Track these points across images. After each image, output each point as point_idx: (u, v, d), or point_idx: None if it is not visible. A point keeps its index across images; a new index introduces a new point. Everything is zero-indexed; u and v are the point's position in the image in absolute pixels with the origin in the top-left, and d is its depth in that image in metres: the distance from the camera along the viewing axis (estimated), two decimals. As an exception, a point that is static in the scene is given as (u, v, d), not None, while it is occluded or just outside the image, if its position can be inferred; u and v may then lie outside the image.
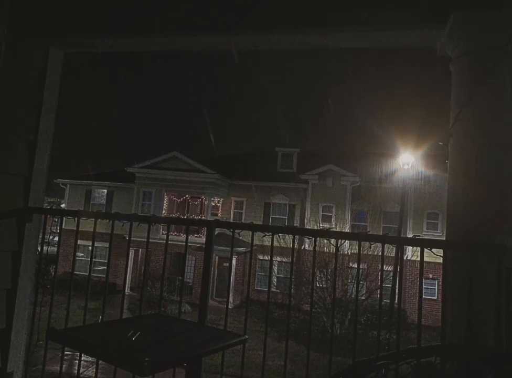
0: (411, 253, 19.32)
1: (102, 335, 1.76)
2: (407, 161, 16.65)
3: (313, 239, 2.26)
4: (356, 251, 2.26)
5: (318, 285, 17.02)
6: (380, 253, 2.16)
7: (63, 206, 27.19)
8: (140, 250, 23.10)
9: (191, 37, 2.60)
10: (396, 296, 14.73)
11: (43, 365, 2.67)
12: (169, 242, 2.56)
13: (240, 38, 2.58)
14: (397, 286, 14.56)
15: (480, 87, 1.99)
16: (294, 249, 2.64)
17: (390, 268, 15.72)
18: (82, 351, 1.95)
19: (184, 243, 2.72)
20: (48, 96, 2.77)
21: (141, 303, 2.60)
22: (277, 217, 23.97)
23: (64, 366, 3.02)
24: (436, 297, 20.33)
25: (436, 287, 20.75)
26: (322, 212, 23.10)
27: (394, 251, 12.76)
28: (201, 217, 23.53)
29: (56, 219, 2.72)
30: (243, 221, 22.85)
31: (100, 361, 2.49)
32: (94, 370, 2.67)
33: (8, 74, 2.54)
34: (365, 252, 2.44)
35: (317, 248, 2.31)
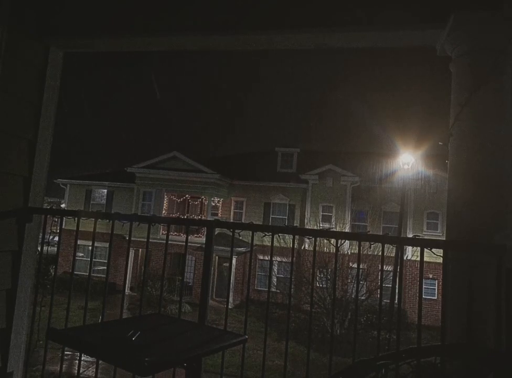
0: (411, 253, 19.32)
1: (102, 335, 1.76)
2: (407, 161, 16.66)
3: (313, 239, 2.26)
4: (356, 251, 2.26)
5: (318, 285, 17.02)
6: (380, 253, 2.16)
7: (63, 206, 27.20)
8: (140, 250, 23.09)
9: (191, 37, 2.60)
10: (396, 296, 14.73)
11: (43, 365, 2.67)
12: (169, 242, 2.56)
13: (240, 38, 2.58)
14: (397, 286, 14.56)
15: (480, 87, 1.99)
16: (294, 249, 2.64)
17: (390, 268, 15.73)
18: (82, 351, 1.95)
19: (184, 243, 2.71)
20: (47, 96, 2.77)
21: (141, 303, 2.60)
22: (277, 217, 23.96)
23: (64, 366, 3.02)
24: (436, 297, 20.33)
25: (436, 287, 20.74)
26: (322, 212, 23.09)
27: (394, 251, 12.77)
28: (201, 217, 23.53)
29: (56, 219, 2.72)
30: (243, 221, 22.84)
31: (100, 361, 2.49)
32: (94, 370, 2.67)
33: (8, 74, 2.54)
34: (365, 252, 2.45)
35: (317, 248, 2.31)
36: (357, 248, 2.21)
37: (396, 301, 14.91)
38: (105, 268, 21.07)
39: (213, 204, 24.09)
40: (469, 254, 1.90)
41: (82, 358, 2.74)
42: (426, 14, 2.20)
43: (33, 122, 2.71)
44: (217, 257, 21.76)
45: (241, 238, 2.86)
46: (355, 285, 17.52)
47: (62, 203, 28.00)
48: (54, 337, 1.72)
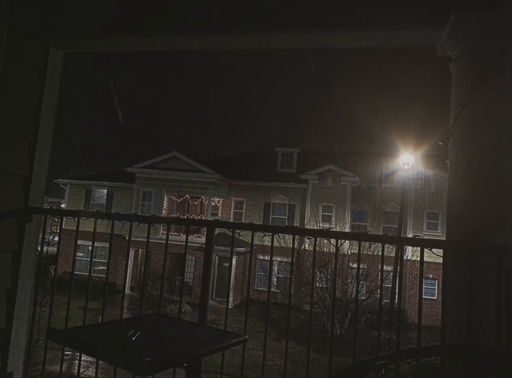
0: (411, 253, 19.32)
1: (102, 335, 1.76)
2: (407, 161, 16.65)
3: (313, 239, 2.26)
4: (356, 251, 2.26)
5: (318, 285, 17.02)
6: (380, 253, 2.16)
7: (63, 206, 27.20)
8: (140, 250, 23.09)
9: (191, 36, 2.60)
10: (396, 296, 14.72)
11: (43, 365, 2.67)
12: (169, 242, 2.56)
13: (240, 38, 2.58)
14: (397, 286, 14.56)
15: (480, 87, 1.99)
16: (294, 249, 2.64)
17: (390, 268, 15.72)
18: (82, 351, 1.95)
19: (184, 243, 2.72)
20: (47, 96, 2.77)
21: (141, 303, 2.60)
22: (277, 217, 23.96)
23: (64, 366, 3.02)
24: (436, 297, 20.33)
25: (436, 287, 20.74)
26: (322, 212, 23.09)
27: (394, 251, 12.77)
28: (201, 217, 23.53)
29: (56, 219, 2.72)
30: (243, 221, 22.83)
31: (100, 361, 2.49)
32: (94, 370, 2.67)
33: (8, 74, 2.54)
34: (365, 252, 2.44)
35: (317, 248, 2.31)
36: (357, 248, 2.21)
37: (396, 301, 14.91)
38: (105, 267, 21.07)
39: (213, 204, 24.09)
40: (469, 254, 1.90)
41: (82, 358, 2.74)
42: (426, 14, 2.20)
43: (33, 122, 2.70)
44: (217, 257, 21.76)
45: (241, 238, 2.86)
46: (355, 285, 17.51)
47: (62, 203, 28.01)
48: (54, 337, 1.72)
